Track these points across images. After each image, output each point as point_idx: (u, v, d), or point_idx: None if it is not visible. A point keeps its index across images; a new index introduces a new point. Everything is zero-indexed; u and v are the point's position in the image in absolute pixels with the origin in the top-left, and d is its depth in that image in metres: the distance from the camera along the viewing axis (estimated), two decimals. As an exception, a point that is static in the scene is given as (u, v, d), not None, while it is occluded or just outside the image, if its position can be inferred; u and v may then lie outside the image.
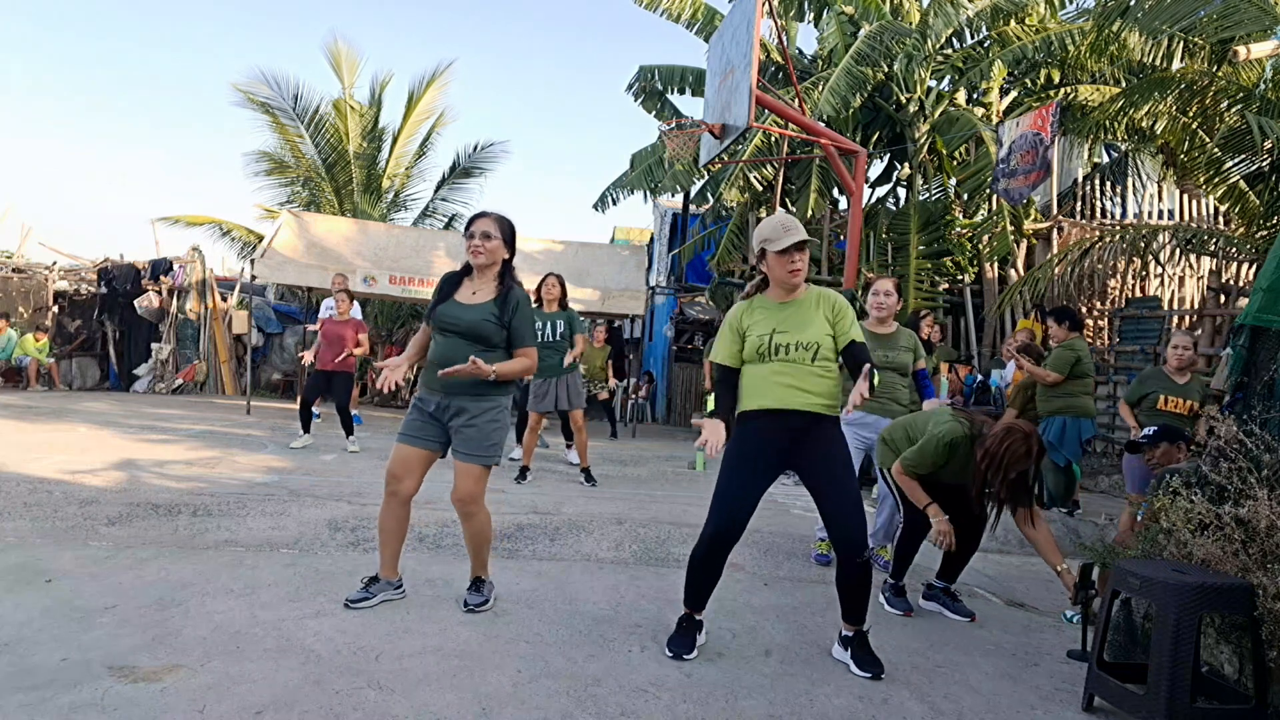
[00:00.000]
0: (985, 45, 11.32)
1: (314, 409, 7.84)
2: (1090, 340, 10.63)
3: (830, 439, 2.90)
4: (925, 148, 11.38)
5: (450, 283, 3.19)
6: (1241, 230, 8.17)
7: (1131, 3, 7.75)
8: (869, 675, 2.80)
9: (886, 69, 10.75)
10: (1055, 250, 10.51)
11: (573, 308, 6.75)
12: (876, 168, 12.96)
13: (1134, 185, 11.16)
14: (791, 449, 2.89)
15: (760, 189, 11.74)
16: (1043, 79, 11.19)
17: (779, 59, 11.59)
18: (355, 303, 9.13)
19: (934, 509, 3.43)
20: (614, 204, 13.33)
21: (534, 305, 6.42)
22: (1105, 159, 12.41)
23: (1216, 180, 7.87)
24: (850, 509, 2.81)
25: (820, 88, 10.33)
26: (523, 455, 6.49)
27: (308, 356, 7.65)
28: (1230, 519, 2.64)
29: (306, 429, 7.48)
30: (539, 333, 6.23)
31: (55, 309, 13.73)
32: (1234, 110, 7.42)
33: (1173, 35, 7.56)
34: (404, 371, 3.13)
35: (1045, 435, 5.98)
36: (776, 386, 2.85)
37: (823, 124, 9.51)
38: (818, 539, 4.50)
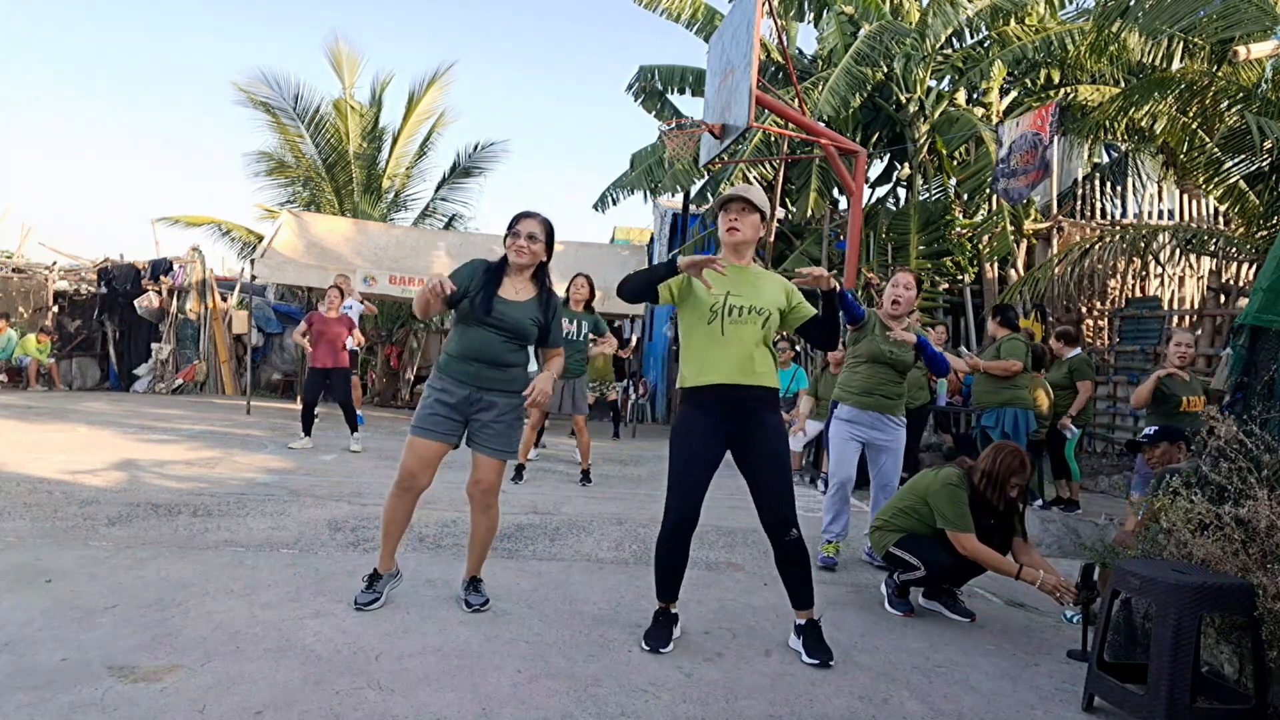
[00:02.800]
0: (985, 45, 11.31)
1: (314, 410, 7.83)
2: (1090, 340, 10.63)
3: (771, 418, 2.96)
4: (925, 148, 11.38)
5: (492, 276, 3.13)
6: (1241, 230, 8.17)
7: (1131, 3, 7.75)
8: (816, 663, 2.86)
9: (886, 69, 10.75)
10: (1055, 250, 10.51)
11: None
12: (876, 168, 12.96)
13: (1134, 185, 11.15)
14: (736, 428, 2.91)
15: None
16: (1043, 79, 11.19)
17: (779, 59, 11.59)
18: (351, 299, 9.12)
19: (1029, 572, 3.31)
20: (614, 204, 13.33)
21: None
22: (1105, 159, 12.41)
23: (1216, 180, 7.87)
24: (785, 491, 2.91)
25: (820, 88, 10.33)
26: (521, 453, 6.48)
27: (299, 338, 7.55)
28: (1230, 519, 2.64)
29: (308, 431, 7.47)
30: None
31: (55, 309, 13.73)
32: (1234, 110, 7.41)
33: (1173, 35, 7.56)
34: (447, 287, 2.98)
35: (999, 426, 6.01)
36: (725, 361, 2.87)
37: (823, 124, 9.50)
38: (825, 541, 4.35)
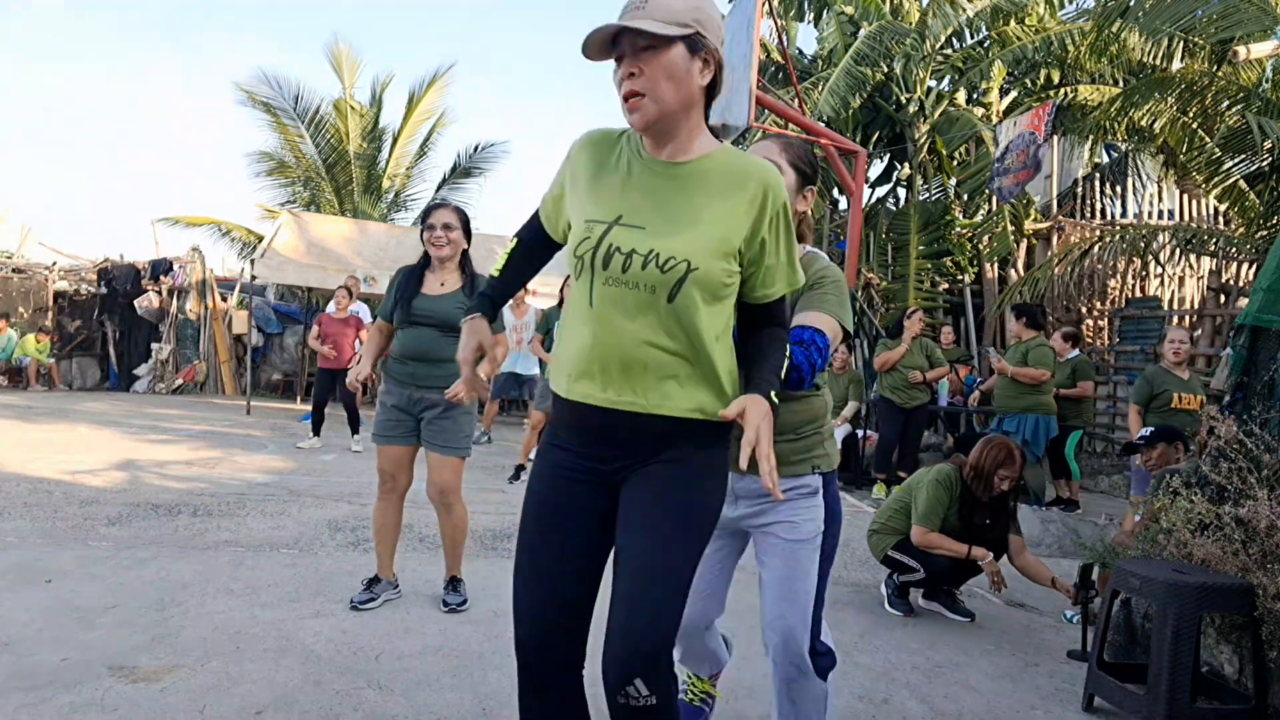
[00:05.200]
0: (985, 45, 11.32)
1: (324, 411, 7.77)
2: (1090, 340, 10.63)
3: (677, 469, 1.45)
4: (925, 148, 11.38)
5: (412, 277, 3.16)
6: (1241, 230, 8.17)
7: (1131, 3, 7.75)
8: None
9: (886, 69, 10.75)
10: (1055, 250, 10.50)
11: None
12: (876, 168, 12.96)
13: (1134, 185, 11.15)
14: (620, 472, 1.48)
15: None
16: (1043, 79, 11.19)
17: (779, 59, 11.59)
18: (363, 305, 9.17)
19: (978, 550, 3.41)
20: (614, 204, 13.31)
21: (555, 304, 6.49)
22: (1105, 159, 12.41)
23: (1216, 180, 7.86)
24: (655, 591, 1.39)
25: (820, 88, 10.34)
26: (521, 453, 6.47)
27: (314, 343, 7.64)
28: (1230, 519, 2.64)
29: (317, 432, 7.44)
30: (557, 331, 6.25)
31: (55, 309, 13.72)
32: (1234, 110, 7.41)
33: (1173, 35, 7.56)
34: (369, 370, 3.15)
35: (1020, 432, 6.00)
36: (594, 355, 1.44)
37: (823, 124, 9.51)
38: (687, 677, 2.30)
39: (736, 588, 3.76)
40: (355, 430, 7.51)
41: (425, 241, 3.14)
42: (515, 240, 1.69)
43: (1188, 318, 9.74)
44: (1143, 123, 8.22)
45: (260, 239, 14.45)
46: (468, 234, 3.20)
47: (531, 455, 7.47)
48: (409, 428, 3.13)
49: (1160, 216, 11.52)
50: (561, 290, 6.46)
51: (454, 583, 3.28)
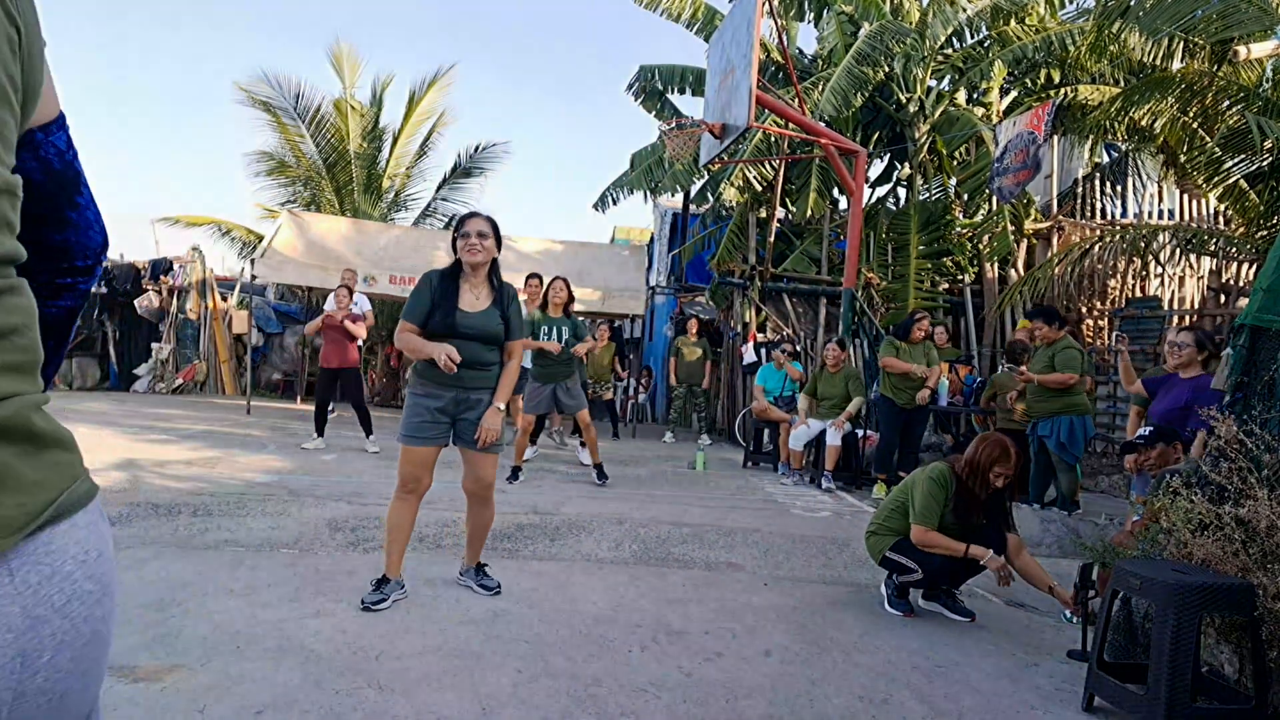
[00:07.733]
0: (985, 45, 11.33)
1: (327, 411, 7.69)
2: (1090, 340, 10.64)
3: None
4: (925, 148, 11.38)
5: (447, 288, 3.18)
6: (1241, 230, 8.17)
7: (1131, 3, 7.75)
8: None
9: (886, 69, 10.76)
10: (1055, 250, 10.51)
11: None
12: (876, 168, 12.96)
13: (1134, 185, 11.15)
14: None
15: (760, 189, 11.75)
16: (1043, 79, 11.20)
17: (779, 59, 11.59)
18: (363, 296, 9.04)
19: (976, 549, 3.40)
20: (614, 204, 13.32)
21: (538, 308, 6.41)
22: (1105, 159, 12.41)
23: (1216, 180, 7.86)
24: None
25: (820, 88, 10.34)
26: (515, 455, 6.47)
27: (311, 326, 7.64)
28: (1230, 519, 2.64)
29: (321, 432, 7.39)
30: (544, 337, 6.19)
31: (55, 309, 13.70)
32: (1234, 110, 7.41)
33: (1173, 35, 7.56)
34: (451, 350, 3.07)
35: (1054, 435, 5.96)
36: None
37: (823, 124, 9.51)
38: None
39: (734, 586, 3.77)
40: (369, 431, 7.45)
41: (460, 249, 3.18)
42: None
43: (1188, 318, 9.75)
44: (1143, 123, 8.22)
45: (260, 239, 14.45)
46: (498, 242, 3.27)
47: (527, 456, 7.50)
48: (444, 430, 3.23)
49: (1160, 216, 11.53)
50: (544, 292, 6.39)
51: (482, 569, 3.48)
